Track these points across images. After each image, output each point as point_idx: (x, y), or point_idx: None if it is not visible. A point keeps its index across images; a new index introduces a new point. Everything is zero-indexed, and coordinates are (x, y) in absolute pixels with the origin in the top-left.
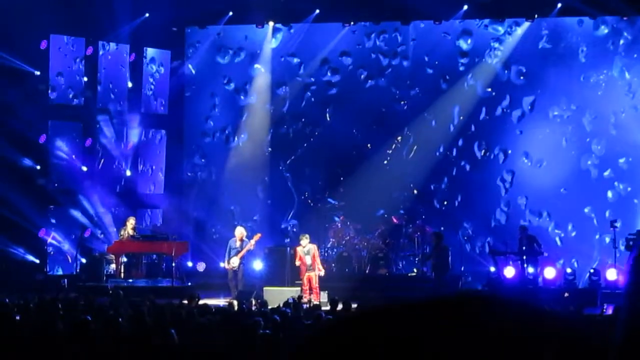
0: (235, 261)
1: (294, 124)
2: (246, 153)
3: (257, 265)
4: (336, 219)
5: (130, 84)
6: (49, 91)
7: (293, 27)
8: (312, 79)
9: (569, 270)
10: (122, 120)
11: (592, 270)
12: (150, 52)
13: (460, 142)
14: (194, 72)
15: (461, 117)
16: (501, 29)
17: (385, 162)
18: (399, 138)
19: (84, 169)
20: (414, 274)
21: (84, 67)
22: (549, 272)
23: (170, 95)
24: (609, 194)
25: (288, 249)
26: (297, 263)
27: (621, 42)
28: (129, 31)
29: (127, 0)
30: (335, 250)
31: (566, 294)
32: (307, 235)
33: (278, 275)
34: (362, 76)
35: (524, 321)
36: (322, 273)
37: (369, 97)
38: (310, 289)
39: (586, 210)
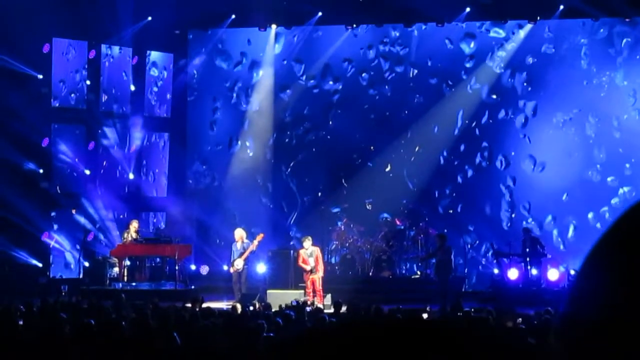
0: (239, 263)
1: (296, 127)
2: (249, 156)
3: (261, 268)
4: (338, 223)
5: (133, 87)
6: (52, 94)
7: (296, 30)
8: (315, 83)
9: (572, 272)
10: (125, 124)
11: None
12: (153, 55)
13: (463, 146)
14: (196, 75)
15: (465, 121)
16: (502, 32)
17: (389, 165)
18: (402, 141)
19: (87, 172)
20: (418, 276)
21: (86, 71)
22: (553, 274)
23: (173, 99)
24: (614, 200)
25: (292, 251)
26: (301, 265)
27: (623, 44)
28: (132, 34)
29: (130, 4)
30: (338, 252)
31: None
32: (310, 237)
33: (282, 277)
34: (365, 80)
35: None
36: (321, 274)
37: (372, 101)
38: (314, 291)
39: (590, 215)
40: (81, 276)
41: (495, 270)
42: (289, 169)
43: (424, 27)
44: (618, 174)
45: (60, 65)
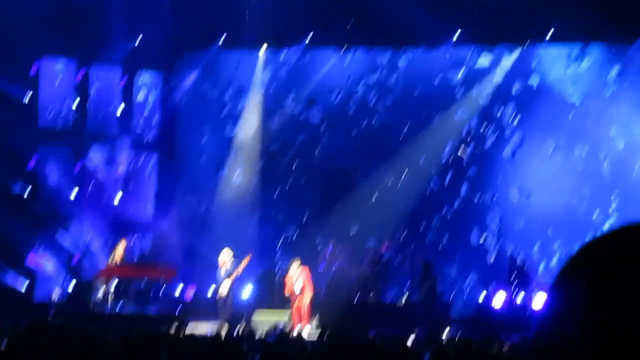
0: (225, 286)
1: (284, 152)
2: (236, 180)
3: (246, 291)
4: (321, 245)
5: (121, 108)
6: (39, 115)
7: (285, 53)
8: (303, 108)
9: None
10: (112, 145)
11: None
12: (142, 75)
13: (450, 174)
14: (185, 97)
15: (452, 149)
16: (487, 62)
17: (376, 191)
18: (389, 168)
19: (74, 193)
20: (403, 302)
21: (74, 91)
22: (539, 301)
23: (161, 120)
24: (600, 229)
25: (277, 273)
26: (287, 293)
27: (613, 72)
28: (121, 54)
29: (120, 23)
30: (324, 277)
31: None
32: (299, 259)
33: (267, 300)
34: (353, 107)
35: None
36: (310, 295)
37: (360, 127)
38: (300, 314)
39: (576, 246)
40: (66, 299)
41: (481, 297)
42: (276, 193)
43: (412, 52)
44: (604, 204)
45: (48, 85)
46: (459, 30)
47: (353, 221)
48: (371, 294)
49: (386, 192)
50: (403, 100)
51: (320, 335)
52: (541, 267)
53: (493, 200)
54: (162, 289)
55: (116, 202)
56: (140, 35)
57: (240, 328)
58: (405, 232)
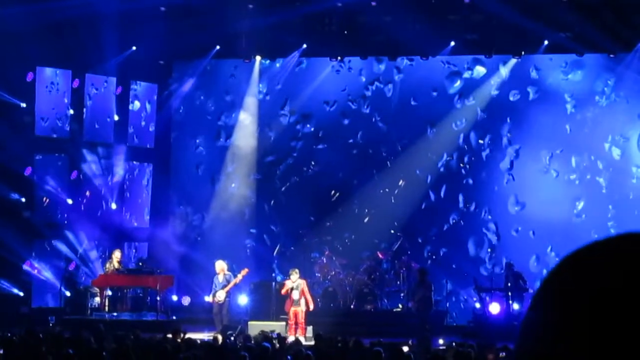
0: (221, 295)
1: (280, 161)
2: (232, 189)
3: (243, 299)
4: (317, 254)
5: (116, 117)
6: (35, 124)
7: (280, 63)
8: (298, 118)
9: None
10: (108, 153)
11: None
12: (137, 85)
13: (445, 185)
14: (180, 107)
15: (449, 158)
16: (483, 70)
17: (372, 201)
18: (385, 177)
19: (70, 202)
20: (399, 309)
21: (70, 100)
22: None
23: (156, 129)
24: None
25: (273, 283)
26: (283, 292)
27: (609, 81)
28: (116, 64)
29: (114, 34)
30: (320, 285)
31: None
32: (297, 270)
33: (263, 309)
34: (349, 117)
35: None
36: (312, 307)
37: (355, 137)
38: (296, 323)
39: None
40: (63, 306)
41: (477, 305)
42: (273, 202)
43: (408, 62)
44: (601, 214)
45: (44, 95)
46: (454, 41)
47: (349, 230)
48: (367, 302)
49: (382, 202)
50: (399, 111)
51: (316, 343)
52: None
53: (490, 210)
54: (158, 297)
55: (112, 210)
56: (134, 46)
57: (236, 335)
58: (401, 241)
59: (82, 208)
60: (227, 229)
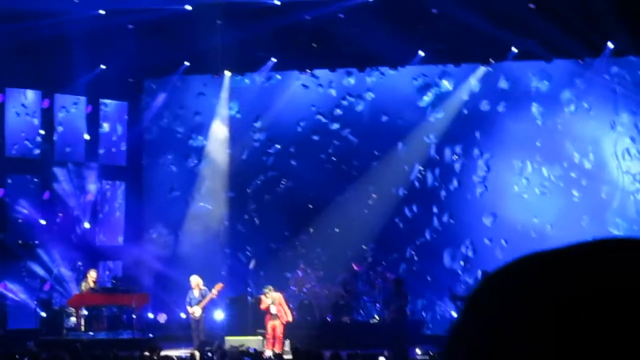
0: (197, 310)
1: (253, 176)
2: (205, 205)
3: (219, 315)
4: (289, 275)
5: (87, 136)
6: (5, 145)
7: (250, 78)
8: (269, 133)
9: None
10: (80, 173)
11: None
12: (107, 103)
13: (419, 196)
14: (151, 125)
15: (421, 169)
16: (452, 82)
17: (345, 213)
18: (359, 189)
19: (43, 222)
20: (376, 320)
21: (40, 120)
22: None
23: (128, 146)
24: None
25: (249, 298)
26: (263, 308)
27: (580, 86)
28: (86, 83)
29: (83, 53)
30: (296, 298)
31: None
32: (270, 287)
33: (240, 324)
34: (319, 132)
35: None
36: (290, 319)
37: (328, 150)
38: (274, 337)
39: None
40: (38, 327)
41: (454, 314)
42: (246, 217)
43: (378, 74)
44: (575, 223)
45: (13, 115)
46: (422, 51)
47: (323, 244)
48: (343, 314)
49: (356, 215)
50: (369, 124)
51: (294, 357)
52: None
53: (463, 221)
54: (134, 315)
55: (85, 229)
56: (103, 65)
57: (213, 350)
58: (375, 253)
59: (56, 228)
60: (201, 245)
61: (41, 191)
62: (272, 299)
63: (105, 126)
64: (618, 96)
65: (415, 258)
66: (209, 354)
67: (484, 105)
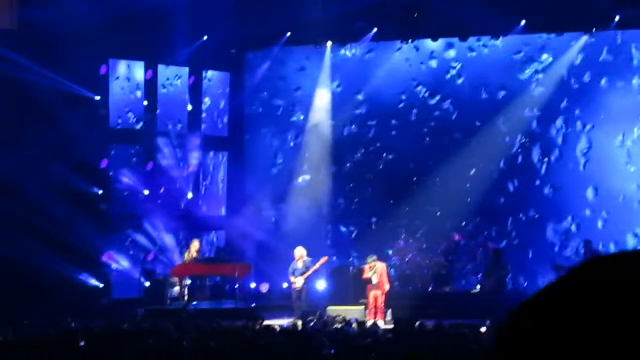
0: (299, 281)
1: (354, 147)
2: (308, 174)
3: (321, 285)
4: (390, 252)
5: (190, 107)
6: (110, 116)
7: (351, 49)
8: (372, 101)
9: None
10: (182, 143)
11: None
12: (209, 74)
13: (522, 166)
14: (253, 98)
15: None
16: (549, 57)
17: (446, 183)
18: (459, 158)
19: (146, 193)
20: (477, 290)
21: (143, 91)
22: None
23: (230, 118)
24: None
25: (351, 268)
26: (364, 277)
27: None
28: (188, 54)
29: (185, 24)
30: (398, 269)
31: None
32: (375, 257)
33: (342, 294)
34: (421, 102)
35: None
36: (386, 289)
37: (429, 121)
38: (376, 307)
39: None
40: (142, 296)
41: None
42: (349, 188)
43: (478, 46)
44: None
45: (117, 87)
46: (524, 20)
47: (424, 214)
48: (445, 284)
49: (456, 187)
50: (470, 96)
51: (395, 327)
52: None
53: (566, 194)
54: (237, 285)
55: (188, 200)
56: (206, 36)
57: (315, 321)
58: (477, 222)
59: (159, 199)
60: (304, 217)
61: (144, 162)
62: (375, 269)
63: (208, 97)
64: None
65: (516, 230)
66: (312, 324)
67: (586, 77)
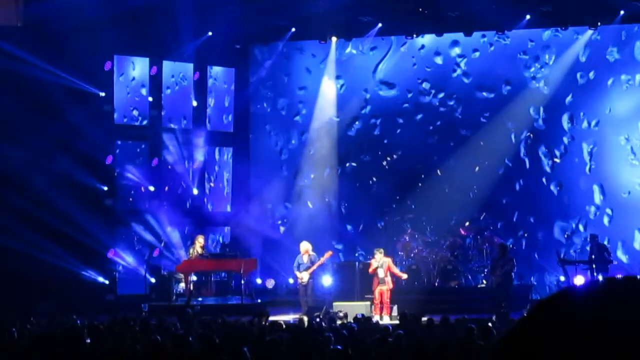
0: (304, 276)
1: (359, 142)
2: (313, 169)
3: (327, 280)
4: (397, 236)
5: (195, 103)
6: (115, 112)
7: (354, 46)
8: (377, 89)
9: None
10: (188, 139)
11: None
12: (214, 70)
13: (528, 162)
14: (259, 93)
15: (530, 135)
16: (553, 53)
17: (452, 178)
18: (465, 153)
19: (151, 188)
20: (484, 285)
21: (148, 87)
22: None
23: (235, 113)
24: None
25: (357, 263)
26: (370, 271)
27: None
28: (193, 50)
29: (190, 20)
30: (404, 263)
31: None
32: (382, 250)
33: (348, 290)
34: (427, 95)
35: None
36: (405, 276)
37: (435, 115)
38: (382, 302)
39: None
40: (148, 293)
41: (562, 278)
42: (354, 184)
43: (483, 43)
44: None
45: (122, 82)
46: (529, 15)
47: (430, 209)
48: (451, 278)
49: (462, 182)
50: (476, 92)
51: (401, 322)
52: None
53: (570, 190)
54: (242, 280)
55: (194, 196)
56: (210, 32)
57: (321, 316)
58: (483, 217)
59: (164, 194)
60: (310, 212)
61: (150, 157)
62: (381, 263)
63: (213, 92)
64: None
65: (522, 226)
66: (318, 319)
67: (591, 72)
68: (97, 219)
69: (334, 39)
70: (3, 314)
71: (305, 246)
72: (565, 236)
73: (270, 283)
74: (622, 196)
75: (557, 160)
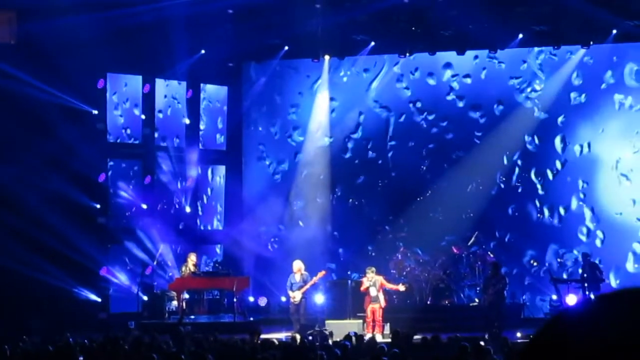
0: (297, 295)
1: (353, 160)
2: (306, 186)
3: (319, 298)
4: (390, 255)
5: (187, 121)
6: (107, 130)
7: (347, 67)
8: (370, 110)
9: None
10: (180, 157)
11: None
12: (207, 88)
13: (517, 172)
14: (251, 107)
15: (518, 155)
16: (543, 73)
17: (444, 197)
18: (458, 171)
19: (144, 206)
20: (476, 303)
21: (141, 105)
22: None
23: (228, 131)
24: None
25: (349, 281)
26: (362, 289)
27: None
28: (186, 68)
29: (183, 38)
30: (396, 281)
31: None
32: (373, 268)
33: (340, 308)
34: (420, 113)
35: None
36: (403, 288)
37: (428, 134)
38: (374, 321)
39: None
40: (140, 310)
41: (554, 297)
42: (347, 203)
43: (474, 64)
44: None
45: (115, 100)
46: (521, 34)
47: (423, 227)
48: (443, 297)
49: (455, 202)
50: (467, 112)
51: (393, 340)
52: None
53: (562, 210)
54: (235, 298)
55: (186, 214)
56: (203, 50)
57: (313, 334)
58: (476, 235)
59: (157, 212)
60: (303, 231)
61: (142, 175)
62: (373, 281)
63: (206, 110)
64: None
65: (514, 244)
66: (310, 338)
67: (583, 93)
68: (89, 237)
69: (326, 57)
70: None
71: (297, 265)
72: (558, 260)
73: (262, 301)
74: (615, 216)
75: (548, 177)
